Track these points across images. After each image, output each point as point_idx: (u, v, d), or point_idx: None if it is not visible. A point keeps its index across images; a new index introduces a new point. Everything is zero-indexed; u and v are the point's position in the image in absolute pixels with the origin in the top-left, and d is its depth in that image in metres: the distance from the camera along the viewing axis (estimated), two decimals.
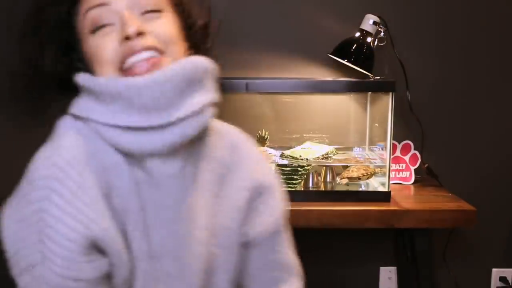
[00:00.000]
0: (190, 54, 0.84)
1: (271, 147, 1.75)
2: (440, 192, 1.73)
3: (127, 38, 0.75)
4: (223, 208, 0.87)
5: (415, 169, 1.83)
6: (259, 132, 1.76)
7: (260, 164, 0.94)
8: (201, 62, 0.81)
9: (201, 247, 0.83)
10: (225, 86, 1.57)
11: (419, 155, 1.83)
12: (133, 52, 0.75)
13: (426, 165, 1.83)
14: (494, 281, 1.99)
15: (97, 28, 0.77)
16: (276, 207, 0.94)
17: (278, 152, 1.72)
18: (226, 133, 0.93)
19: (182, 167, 0.80)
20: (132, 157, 0.77)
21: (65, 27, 0.81)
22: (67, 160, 0.72)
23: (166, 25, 0.80)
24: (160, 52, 0.77)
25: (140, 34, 0.75)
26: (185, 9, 0.87)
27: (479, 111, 1.92)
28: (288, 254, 0.96)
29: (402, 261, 1.90)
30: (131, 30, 0.74)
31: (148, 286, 0.79)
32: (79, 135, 0.76)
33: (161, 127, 0.74)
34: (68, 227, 0.70)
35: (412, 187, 1.80)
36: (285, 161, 1.67)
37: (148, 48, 0.76)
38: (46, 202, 0.70)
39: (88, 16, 0.78)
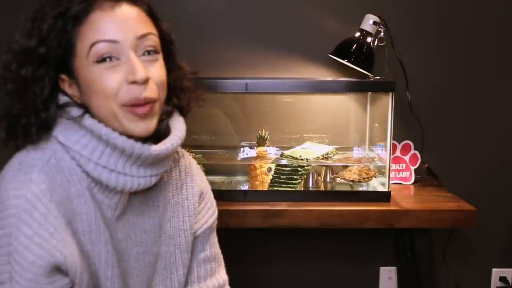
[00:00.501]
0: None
1: (271, 147, 1.75)
2: (440, 192, 1.73)
3: (134, 82, 0.84)
4: (177, 214, 1.03)
5: (415, 169, 1.83)
6: (259, 132, 1.76)
7: (199, 175, 1.12)
8: (184, 135, 0.96)
9: (159, 248, 1.00)
10: (225, 86, 1.58)
11: (419, 155, 1.83)
12: (138, 99, 0.85)
13: (426, 165, 1.83)
14: (494, 281, 1.99)
15: (102, 60, 0.84)
16: (211, 207, 1.13)
17: (278, 152, 1.73)
18: (181, 156, 1.09)
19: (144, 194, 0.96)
20: (97, 183, 0.89)
21: (64, 44, 0.86)
22: (35, 193, 0.82)
23: (161, 70, 0.90)
24: (156, 100, 0.88)
25: (146, 81, 0.85)
26: (169, 46, 0.97)
27: (479, 111, 1.92)
28: (218, 246, 1.13)
29: (402, 261, 1.90)
30: (140, 77, 0.84)
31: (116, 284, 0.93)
32: (47, 168, 0.85)
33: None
34: (34, 255, 0.80)
35: (412, 187, 1.80)
36: (285, 161, 1.67)
37: (149, 101, 0.86)
38: (15, 229, 0.81)
39: (96, 48, 0.84)
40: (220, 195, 1.57)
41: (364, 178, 1.67)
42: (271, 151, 1.74)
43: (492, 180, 1.94)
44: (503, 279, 1.98)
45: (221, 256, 1.13)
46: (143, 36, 0.87)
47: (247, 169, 1.73)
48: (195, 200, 1.06)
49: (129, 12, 0.87)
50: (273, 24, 1.85)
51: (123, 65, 0.85)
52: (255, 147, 1.75)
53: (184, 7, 1.83)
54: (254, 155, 1.72)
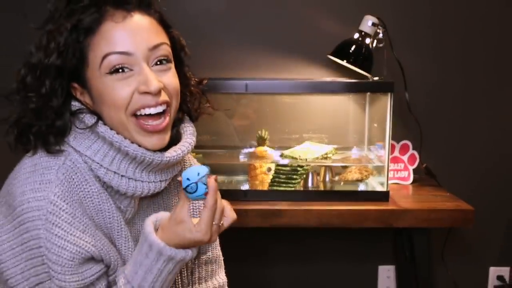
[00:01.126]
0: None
1: (270, 147, 1.76)
2: (438, 191, 1.74)
3: (146, 93, 0.85)
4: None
5: (413, 169, 1.84)
6: (259, 132, 1.77)
7: None
8: (194, 142, 0.96)
9: None
10: (225, 87, 1.59)
11: (417, 155, 1.84)
12: (149, 105, 0.85)
13: (424, 165, 1.84)
14: (492, 280, 2.01)
15: (115, 71, 0.84)
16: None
17: (278, 152, 1.74)
18: (186, 160, 1.09)
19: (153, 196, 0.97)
20: (108, 187, 0.89)
21: (75, 52, 0.85)
22: (58, 194, 0.83)
23: (174, 78, 0.90)
24: (168, 105, 0.88)
25: (159, 92, 0.85)
26: (179, 54, 0.97)
27: (476, 112, 1.93)
28: (219, 248, 1.13)
29: (400, 260, 1.91)
30: (154, 88, 0.84)
31: None
32: (64, 169, 0.85)
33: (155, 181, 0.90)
34: (71, 252, 0.82)
35: (410, 187, 1.81)
36: (284, 161, 1.68)
37: (162, 103, 0.87)
38: (43, 232, 0.82)
39: (108, 59, 0.84)
40: (221, 194, 1.60)
41: (365, 176, 1.69)
42: (271, 151, 1.75)
43: (490, 180, 1.95)
44: (500, 277, 2.00)
45: (221, 258, 1.14)
46: (156, 47, 0.86)
47: (247, 169, 1.74)
48: (199, 204, 1.05)
49: (141, 22, 0.86)
50: (273, 26, 1.86)
51: (136, 76, 0.85)
52: (255, 147, 1.77)
53: (185, 8, 1.84)
54: (254, 155, 1.74)
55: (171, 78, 0.89)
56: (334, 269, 2.00)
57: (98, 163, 0.86)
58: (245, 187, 1.72)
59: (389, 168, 1.65)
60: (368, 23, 1.72)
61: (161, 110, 0.87)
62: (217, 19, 1.86)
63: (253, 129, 1.79)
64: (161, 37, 0.89)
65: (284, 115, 1.87)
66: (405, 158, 1.84)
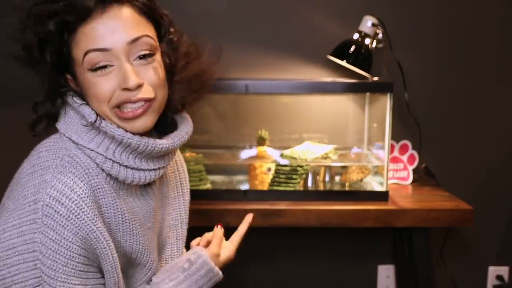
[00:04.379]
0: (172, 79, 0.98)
1: (270, 147, 1.77)
2: (438, 191, 1.75)
3: (126, 89, 0.86)
4: (178, 205, 1.12)
5: (413, 169, 1.84)
6: (259, 132, 1.77)
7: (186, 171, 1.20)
8: (190, 131, 1.01)
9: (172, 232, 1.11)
10: (225, 87, 1.59)
11: (416, 155, 1.84)
12: (130, 101, 0.87)
13: (423, 165, 1.85)
14: (491, 279, 2.01)
15: (96, 68, 0.86)
16: None
17: (278, 152, 1.74)
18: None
19: (152, 186, 1.01)
20: (112, 178, 0.92)
21: (58, 47, 0.87)
22: (53, 196, 0.83)
23: (157, 71, 0.90)
24: (151, 99, 0.89)
25: (138, 87, 0.86)
26: (172, 44, 0.97)
27: (476, 111, 1.94)
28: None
29: (400, 260, 1.92)
30: (132, 84, 0.85)
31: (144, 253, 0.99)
32: (61, 167, 0.86)
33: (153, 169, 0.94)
34: (64, 257, 0.83)
35: (410, 187, 1.81)
36: (284, 161, 1.69)
37: (143, 100, 0.88)
38: (39, 236, 0.82)
39: (88, 57, 0.85)
40: (221, 194, 1.61)
41: (366, 174, 1.69)
42: (271, 151, 1.75)
43: (489, 179, 1.96)
44: (499, 277, 2.00)
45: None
46: (135, 41, 0.86)
47: (247, 169, 1.74)
48: (188, 196, 1.15)
49: (119, 16, 0.86)
50: (273, 26, 1.87)
51: (117, 71, 0.86)
52: (255, 147, 1.77)
53: (185, 8, 1.84)
54: (254, 155, 1.74)
55: (151, 73, 0.89)
56: (334, 269, 2.01)
57: (102, 155, 0.88)
58: (245, 187, 1.73)
59: (389, 168, 1.65)
60: (367, 23, 1.73)
61: (141, 105, 0.89)
62: (217, 19, 1.86)
63: (253, 129, 1.79)
64: (141, 29, 0.88)
65: (284, 115, 1.87)
66: (404, 158, 1.85)
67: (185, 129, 0.99)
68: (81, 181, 0.85)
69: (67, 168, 0.86)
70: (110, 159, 0.88)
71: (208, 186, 1.68)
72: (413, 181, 1.84)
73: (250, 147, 1.78)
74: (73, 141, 0.89)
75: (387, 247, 2.00)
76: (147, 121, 0.90)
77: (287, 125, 1.86)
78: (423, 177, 1.87)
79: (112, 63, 0.85)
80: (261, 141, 1.77)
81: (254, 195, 1.63)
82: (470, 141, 1.94)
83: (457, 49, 1.90)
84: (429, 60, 1.90)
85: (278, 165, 1.70)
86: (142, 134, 0.91)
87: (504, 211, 1.98)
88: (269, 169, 1.71)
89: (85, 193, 0.84)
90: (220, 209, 1.51)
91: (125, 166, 0.90)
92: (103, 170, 0.90)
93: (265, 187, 1.69)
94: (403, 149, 1.85)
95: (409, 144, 1.85)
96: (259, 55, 1.87)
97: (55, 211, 0.82)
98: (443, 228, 1.86)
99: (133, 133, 0.89)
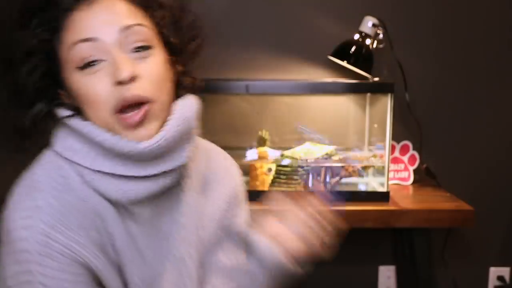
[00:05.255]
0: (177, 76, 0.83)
1: (271, 148, 1.77)
2: (439, 192, 1.74)
3: (119, 82, 0.72)
4: (205, 216, 0.92)
5: (413, 170, 1.84)
6: (260, 132, 1.77)
7: (230, 171, 1.02)
8: (192, 114, 0.81)
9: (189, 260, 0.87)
10: (225, 88, 1.59)
11: (417, 156, 1.84)
12: (125, 99, 0.73)
13: (424, 166, 1.85)
14: (492, 280, 2.01)
15: (85, 65, 0.73)
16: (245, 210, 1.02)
17: (278, 153, 1.74)
18: (199, 145, 0.92)
19: (155, 206, 0.82)
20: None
21: (44, 53, 0.77)
22: (48, 223, 0.73)
23: (155, 65, 0.76)
24: (149, 100, 0.75)
25: (132, 79, 0.73)
26: (173, 40, 0.82)
27: (477, 112, 1.93)
28: None
29: (401, 261, 1.91)
30: (124, 76, 0.72)
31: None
32: (55, 191, 0.75)
33: (146, 177, 0.76)
34: (69, 282, 0.73)
35: (410, 187, 1.81)
36: (285, 162, 1.69)
37: (139, 100, 0.74)
38: (34, 265, 0.72)
39: (75, 50, 0.74)
40: None
41: (353, 172, 1.69)
42: (272, 152, 1.75)
43: (490, 180, 1.96)
44: (500, 278, 2.00)
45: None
46: (128, 28, 0.74)
47: (248, 169, 1.74)
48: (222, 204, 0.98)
49: (110, 4, 0.75)
50: (273, 26, 1.87)
51: (109, 67, 0.73)
52: (255, 148, 1.77)
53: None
54: (255, 156, 1.74)
55: (149, 65, 0.75)
56: (334, 270, 2.00)
57: (82, 165, 0.76)
58: (246, 187, 1.72)
59: (390, 169, 1.65)
60: (368, 24, 1.73)
61: (138, 109, 0.74)
62: (218, 20, 1.86)
63: (254, 129, 1.79)
64: (136, 18, 0.76)
65: (285, 115, 1.87)
66: (405, 158, 1.84)
67: (176, 115, 0.78)
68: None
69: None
70: (90, 167, 0.76)
71: None
72: (414, 182, 1.84)
73: (251, 148, 1.77)
74: (65, 158, 0.78)
75: (388, 248, 1.99)
76: (148, 129, 0.75)
77: (287, 125, 1.85)
78: (424, 177, 1.87)
79: (102, 58, 0.73)
80: (261, 142, 1.77)
81: (254, 195, 1.63)
82: (471, 141, 1.94)
83: (458, 50, 1.90)
84: (429, 61, 1.90)
85: (278, 165, 1.69)
86: None
87: (505, 212, 1.98)
88: (269, 170, 1.71)
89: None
90: None
91: (107, 173, 0.75)
92: (93, 189, 0.77)
93: (266, 187, 1.69)
94: (404, 150, 1.85)
95: (410, 144, 1.85)
96: (260, 56, 1.86)
97: (51, 238, 0.74)
98: (444, 229, 1.86)
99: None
